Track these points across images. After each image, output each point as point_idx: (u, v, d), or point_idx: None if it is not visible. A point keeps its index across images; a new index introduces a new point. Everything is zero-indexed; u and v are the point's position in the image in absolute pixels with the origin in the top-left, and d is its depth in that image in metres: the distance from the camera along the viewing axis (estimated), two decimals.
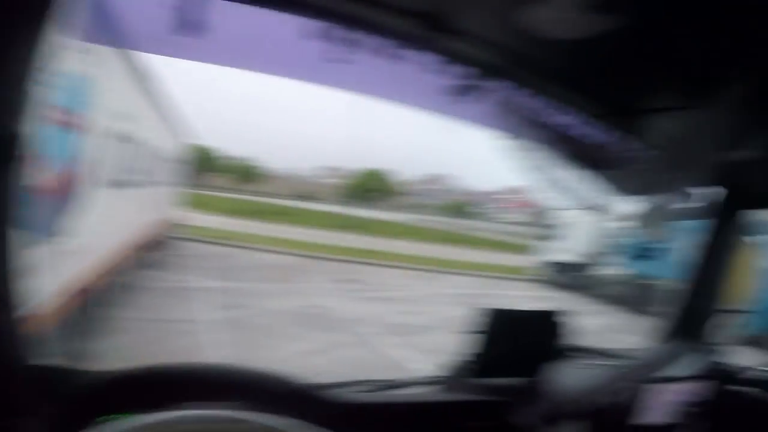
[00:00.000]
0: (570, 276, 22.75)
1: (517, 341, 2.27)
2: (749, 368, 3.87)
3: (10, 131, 1.19)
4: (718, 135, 1.80)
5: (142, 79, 9.39)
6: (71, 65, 5.43)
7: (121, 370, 1.55)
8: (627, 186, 1.95)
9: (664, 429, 2.61)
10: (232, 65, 1.69)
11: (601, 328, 13.88)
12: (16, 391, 1.36)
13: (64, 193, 6.00)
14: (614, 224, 24.06)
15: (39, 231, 5.15)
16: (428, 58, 1.73)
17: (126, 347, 7.54)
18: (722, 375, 3.45)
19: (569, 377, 2.56)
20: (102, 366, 1.62)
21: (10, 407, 1.34)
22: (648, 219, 3.58)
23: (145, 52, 3.16)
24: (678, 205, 2.48)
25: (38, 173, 5.07)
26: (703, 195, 3.67)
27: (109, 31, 5.90)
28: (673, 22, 1.56)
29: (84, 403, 1.43)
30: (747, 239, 4.24)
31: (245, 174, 32.01)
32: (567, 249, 23.08)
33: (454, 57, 1.76)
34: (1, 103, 1.18)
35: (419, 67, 1.73)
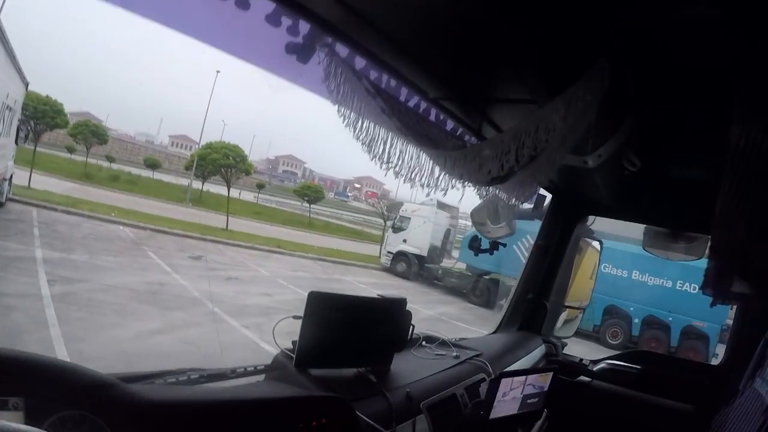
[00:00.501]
0: (413, 266, 23.82)
1: (357, 329, 2.12)
2: (586, 361, 4.19)
3: None
4: (562, 135, 1.80)
5: None
6: None
7: None
8: (464, 174, 1.84)
9: (509, 420, 2.66)
10: None
11: (442, 318, 14.53)
12: None
13: None
14: (455, 218, 25.72)
15: None
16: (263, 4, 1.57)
17: None
18: (562, 367, 3.68)
19: (411, 367, 2.51)
20: None
21: None
22: (486, 214, 3.72)
23: None
24: (517, 202, 2.49)
25: None
26: (541, 196, 3.88)
27: None
28: (530, 8, 1.53)
29: None
30: (587, 242, 4.57)
31: (92, 134, 29.50)
32: (412, 240, 24.05)
33: (291, 6, 1.60)
34: None
35: (255, 14, 1.56)
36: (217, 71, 37.18)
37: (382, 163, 1.80)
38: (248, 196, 39.21)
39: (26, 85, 15.46)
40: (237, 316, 10.55)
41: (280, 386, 1.91)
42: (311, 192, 33.53)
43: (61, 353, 6.87)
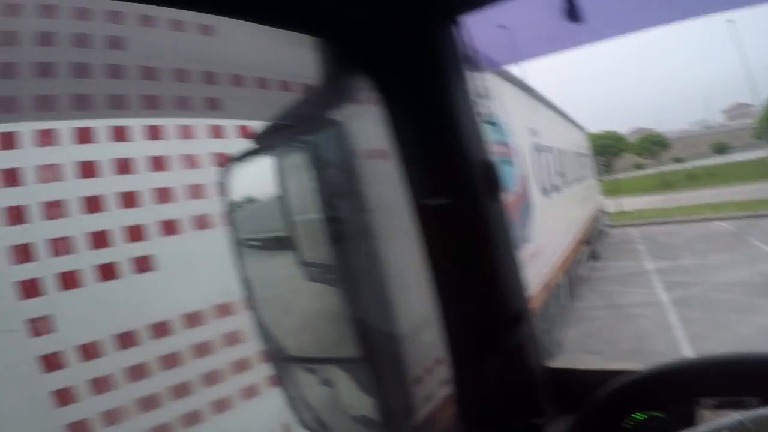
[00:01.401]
0: None
1: None
2: None
3: (487, 163, 1.31)
4: None
5: (531, 92, 10.03)
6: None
7: (644, 368, 1.36)
8: None
9: None
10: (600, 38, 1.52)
11: None
12: (538, 392, 1.43)
13: (519, 208, 7.23)
14: None
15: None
16: None
17: (589, 336, 8.38)
18: None
19: None
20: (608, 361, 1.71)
21: (534, 409, 1.40)
22: None
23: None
24: None
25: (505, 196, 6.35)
26: None
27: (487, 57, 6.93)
28: None
29: (611, 403, 1.35)
30: None
31: (653, 144, 30.89)
32: None
33: None
34: (474, 140, 1.30)
35: None
36: (729, 20, 31.82)
37: None
38: None
39: (585, 131, 18.15)
40: None
41: None
42: None
43: (687, 353, 7.31)
